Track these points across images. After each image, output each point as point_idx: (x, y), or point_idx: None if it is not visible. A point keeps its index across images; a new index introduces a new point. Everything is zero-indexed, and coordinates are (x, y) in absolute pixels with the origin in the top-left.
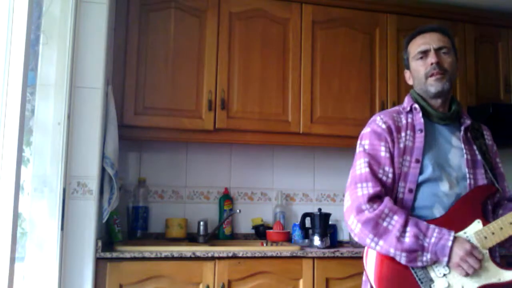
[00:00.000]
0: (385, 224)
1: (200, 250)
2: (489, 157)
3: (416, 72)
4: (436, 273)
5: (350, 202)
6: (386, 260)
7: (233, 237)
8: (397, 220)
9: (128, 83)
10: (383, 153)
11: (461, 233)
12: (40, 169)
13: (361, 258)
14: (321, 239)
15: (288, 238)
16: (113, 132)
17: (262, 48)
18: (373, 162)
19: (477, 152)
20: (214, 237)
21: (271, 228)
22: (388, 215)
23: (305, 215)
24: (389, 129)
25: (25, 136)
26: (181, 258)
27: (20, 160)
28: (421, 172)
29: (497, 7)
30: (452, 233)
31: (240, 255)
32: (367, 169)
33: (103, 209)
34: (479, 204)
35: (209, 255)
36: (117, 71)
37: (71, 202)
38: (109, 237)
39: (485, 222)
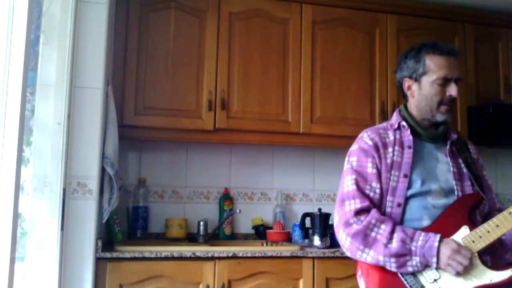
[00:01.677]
0: (373, 234)
1: (200, 250)
2: (475, 169)
3: (430, 95)
4: (427, 278)
5: (338, 218)
6: (375, 271)
7: (233, 237)
8: (384, 228)
9: (128, 83)
10: (370, 169)
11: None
12: (40, 169)
13: None
14: (321, 239)
15: (288, 238)
16: (113, 132)
17: (262, 48)
18: (360, 178)
19: (462, 165)
20: (214, 237)
21: (271, 228)
22: (376, 225)
23: (305, 215)
24: (375, 146)
25: (25, 136)
26: (181, 258)
27: (20, 160)
28: (409, 187)
29: (497, 7)
30: (439, 235)
31: (240, 255)
32: (354, 186)
33: (103, 209)
34: (465, 211)
35: (209, 255)
36: (117, 71)
37: (71, 202)
38: (109, 237)
39: (472, 227)
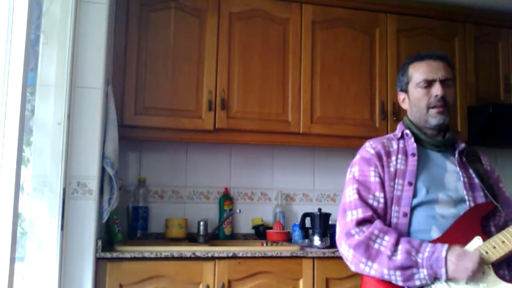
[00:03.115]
0: (376, 246)
1: (200, 250)
2: (487, 180)
3: (417, 100)
4: None
5: (339, 229)
6: (382, 285)
7: (233, 237)
8: (388, 240)
9: (128, 83)
10: (372, 178)
11: None
12: (40, 169)
13: None
14: (321, 239)
15: (288, 238)
16: (113, 132)
17: (262, 48)
18: (362, 188)
19: (474, 175)
20: (214, 237)
21: (271, 228)
22: (379, 236)
23: (305, 215)
24: (378, 154)
25: (25, 136)
26: (181, 258)
27: (20, 160)
28: (415, 195)
29: (497, 7)
30: (446, 245)
31: (240, 255)
32: (356, 196)
33: (103, 209)
34: (478, 222)
35: (209, 255)
36: (117, 71)
37: (71, 202)
38: (109, 237)
39: (485, 238)
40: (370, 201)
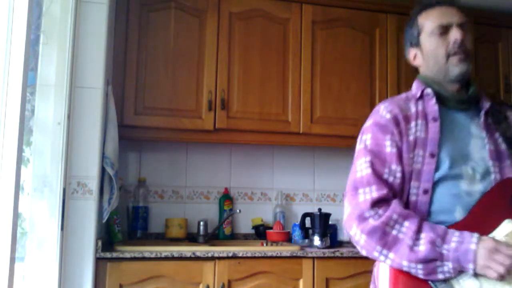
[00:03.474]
0: (394, 232)
1: (200, 250)
2: None
3: (433, 50)
4: (462, 286)
5: (350, 209)
6: (401, 275)
7: (233, 237)
8: (408, 226)
9: (128, 83)
10: (388, 149)
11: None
12: (40, 169)
13: (362, 258)
14: (321, 239)
15: (288, 238)
16: (113, 132)
17: (262, 48)
18: (377, 160)
19: (500, 141)
20: (214, 237)
21: (271, 228)
22: (397, 221)
23: (305, 215)
24: (395, 119)
25: (25, 136)
26: (181, 258)
27: (20, 160)
28: (437, 169)
29: (497, 7)
30: (476, 236)
31: (240, 255)
32: (369, 170)
33: (103, 209)
34: (508, 200)
35: (209, 255)
36: (117, 71)
37: (71, 202)
38: (109, 237)
39: None
40: (386, 176)
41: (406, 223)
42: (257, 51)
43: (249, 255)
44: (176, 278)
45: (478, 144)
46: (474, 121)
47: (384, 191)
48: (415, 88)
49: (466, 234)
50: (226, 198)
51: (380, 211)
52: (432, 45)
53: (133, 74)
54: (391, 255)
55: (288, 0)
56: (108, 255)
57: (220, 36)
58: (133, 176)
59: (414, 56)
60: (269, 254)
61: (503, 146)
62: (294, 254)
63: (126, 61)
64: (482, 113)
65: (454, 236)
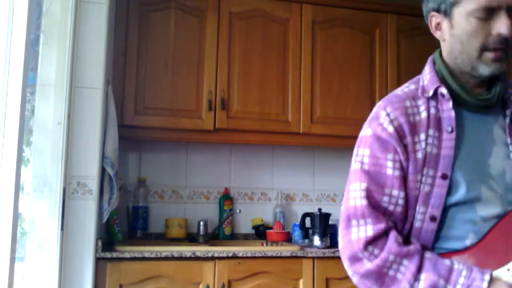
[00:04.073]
0: (391, 273)
1: (200, 250)
2: None
3: (467, 35)
4: None
5: (341, 245)
6: None
7: (233, 237)
8: (407, 266)
9: (128, 83)
10: (390, 171)
11: (502, 270)
12: (40, 169)
13: None
14: (321, 239)
15: (288, 238)
16: (113, 132)
17: (262, 48)
18: (374, 187)
19: None
20: (214, 237)
21: (271, 228)
22: (395, 261)
23: (305, 215)
24: (399, 132)
25: (25, 136)
26: (181, 258)
27: (20, 160)
28: (449, 192)
29: None
30: (487, 275)
31: (240, 255)
32: (365, 201)
33: (103, 209)
34: None
35: (209, 255)
36: (117, 71)
37: (71, 202)
38: (109, 237)
39: None
40: (385, 204)
41: (405, 262)
42: (257, 51)
43: (249, 255)
44: (176, 278)
45: (501, 153)
46: (497, 122)
47: (381, 225)
48: (428, 80)
49: (476, 272)
50: (226, 198)
51: (376, 251)
52: (469, 29)
53: (133, 74)
54: None
55: (288, 0)
56: (108, 255)
57: (220, 36)
58: (133, 176)
59: (436, 24)
60: (269, 254)
61: None
62: (294, 254)
63: (126, 61)
64: (509, 112)
65: (461, 277)
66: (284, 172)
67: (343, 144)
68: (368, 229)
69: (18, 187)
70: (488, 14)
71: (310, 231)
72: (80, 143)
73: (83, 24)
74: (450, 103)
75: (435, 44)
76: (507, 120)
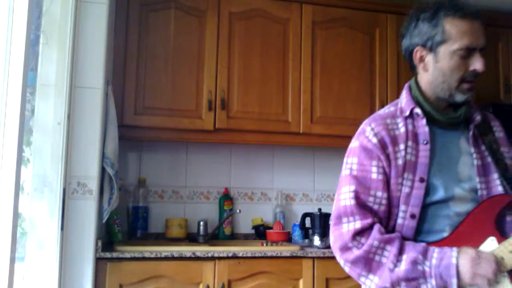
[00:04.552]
0: (377, 258)
1: (200, 250)
2: (501, 158)
3: (449, 69)
4: None
5: (333, 239)
6: None
7: (233, 237)
8: (390, 249)
9: (128, 83)
10: (374, 175)
11: None
12: (40, 169)
13: None
14: (321, 239)
15: (288, 238)
16: (113, 132)
17: (262, 48)
18: (361, 189)
19: (487, 153)
20: (214, 237)
21: (271, 228)
22: (379, 247)
23: (305, 215)
24: (382, 143)
25: (25, 136)
26: (181, 258)
27: (20, 160)
28: (427, 193)
29: (497, 7)
30: (455, 249)
31: (240, 255)
32: (353, 201)
33: (103, 209)
34: (492, 218)
35: (209, 255)
36: (117, 71)
37: (71, 202)
38: (109, 237)
39: (501, 238)
40: (370, 204)
41: (388, 247)
42: (257, 51)
43: (249, 255)
44: (176, 278)
45: (467, 161)
46: (463, 135)
47: (368, 220)
48: (405, 102)
49: (446, 249)
50: (226, 198)
51: (363, 240)
52: (452, 64)
53: (133, 74)
54: (376, 279)
55: (288, 0)
56: (108, 255)
57: (220, 36)
58: (133, 176)
59: (420, 57)
60: (269, 254)
61: (489, 159)
62: (294, 254)
63: (126, 61)
64: (472, 127)
65: (435, 253)
66: (284, 172)
67: (343, 144)
68: (357, 223)
69: (18, 187)
70: (467, 53)
71: (310, 231)
72: (80, 143)
73: (83, 24)
74: (424, 121)
75: None
76: (470, 133)
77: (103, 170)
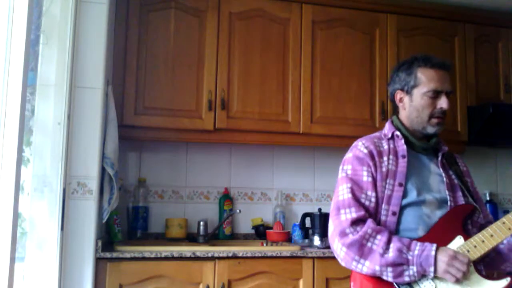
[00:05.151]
0: (369, 244)
1: (200, 250)
2: (465, 181)
3: (420, 107)
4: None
5: (333, 227)
6: (370, 281)
7: (233, 237)
8: (380, 238)
9: (128, 83)
10: (365, 178)
11: None
12: (40, 169)
13: None
14: (321, 239)
15: (288, 238)
16: (113, 132)
17: (262, 48)
18: (356, 187)
19: (454, 176)
20: (214, 237)
21: (271, 228)
22: (372, 235)
23: (305, 215)
24: (370, 154)
25: (25, 136)
26: (181, 258)
27: (20, 160)
28: (404, 196)
29: (497, 7)
30: (435, 245)
31: (240, 255)
32: (350, 195)
33: (103, 209)
34: (459, 222)
35: (209, 255)
36: (117, 71)
37: (71, 202)
38: (109, 237)
39: (467, 237)
40: (363, 200)
41: (379, 236)
42: (257, 51)
43: (249, 255)
44: (176, 278)
45: (437, 179)
46: (433, 161)
47: (361, 212)
48: (388, 129)
49: (427, 243)
50: (226, 198)
51: (358, 228)
52: (422, 104)
53: (133, 74)
54: (366, 263)
55: (288, 0)
56: (108, 255)
57: (220, 36)
58: (133, 176)
59: (400, 98)
60: (269, 254)
61: (455, 181)
62: (294, 254)
63: (126, 61)
64: (440, 154)
65: (418, 245)
66: (284, 172)
67: (343, 144)
68: (353, 214)
69: (18, 187)
70: (435, 95)
71: (310, 231)
72: (80, 143)
73: (83, 24)
74: (403, 141)
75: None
76: (440, 159)
77: (103, 170)
